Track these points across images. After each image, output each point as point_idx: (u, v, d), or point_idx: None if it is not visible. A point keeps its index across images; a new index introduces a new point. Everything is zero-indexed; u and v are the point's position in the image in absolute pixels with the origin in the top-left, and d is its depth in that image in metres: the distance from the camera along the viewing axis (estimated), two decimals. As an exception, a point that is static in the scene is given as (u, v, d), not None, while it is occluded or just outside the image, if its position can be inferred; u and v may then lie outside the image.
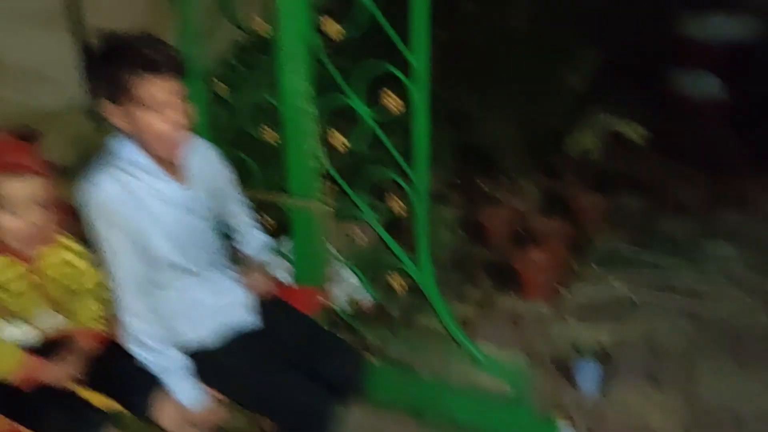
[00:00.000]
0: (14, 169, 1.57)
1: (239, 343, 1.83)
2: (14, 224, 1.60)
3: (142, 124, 1.61)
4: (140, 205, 1.65)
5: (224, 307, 1.87)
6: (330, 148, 2.25)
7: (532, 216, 3.52)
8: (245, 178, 2.43)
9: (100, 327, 1.81)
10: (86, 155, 2.79)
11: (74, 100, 3.13)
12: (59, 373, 1.68)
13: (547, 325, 2.88)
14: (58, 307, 1.76)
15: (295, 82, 2.16)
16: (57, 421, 1.58)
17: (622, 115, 3.92)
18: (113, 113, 1.63)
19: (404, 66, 2.04)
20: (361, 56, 2.08)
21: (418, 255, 2.28)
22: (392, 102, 2.08)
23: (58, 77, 3.06)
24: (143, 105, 1.59)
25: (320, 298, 2.32)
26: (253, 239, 2.12)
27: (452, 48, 3.70)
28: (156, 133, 1.62)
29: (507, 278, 3.12)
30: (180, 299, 1.79)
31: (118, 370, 1.71)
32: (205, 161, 1.87)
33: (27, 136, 1.66)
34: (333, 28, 2.07)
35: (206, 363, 1.77)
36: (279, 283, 2.20)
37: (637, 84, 5.22)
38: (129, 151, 1.67)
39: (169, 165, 1.73)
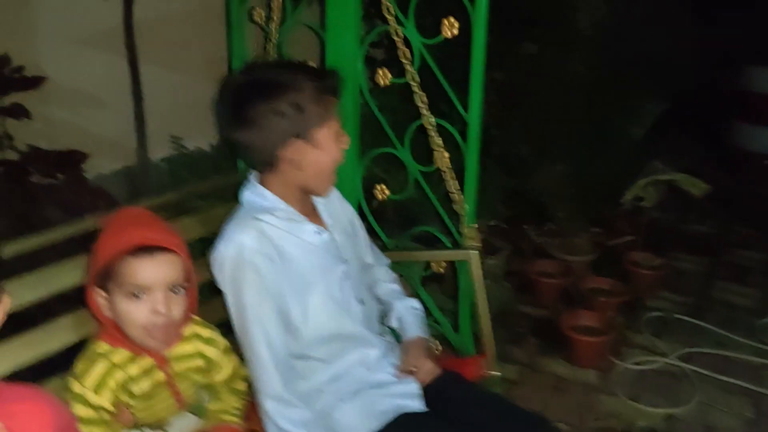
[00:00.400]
0: (153, 244, 1.28)
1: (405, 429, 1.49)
2: (145, 315, 1.29)
3: (325, 153, 1.48)
4: (281, 254, 1.45)
5: (383, 385, 1.56)
6: (370, 197, 2.15)
7: (584, 273, 3.36)
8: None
9: (236, 423, 1.51)
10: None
11: (127, 125, 3.15)
12: None
13: (593, 396, 2.70)
14: (188, 406, 1.47)
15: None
16: None
17: (683, 168, 3.74)
18: (298, 149, 1.44)
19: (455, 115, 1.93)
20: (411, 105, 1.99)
21: (460, 318, 2.14)
22: (440, 156, 1.97)
23: (111, 101, 3.07)
24: (336, 128, 1.49)
25: (482, 367, 1.95)
26: (401, 305, 1.74)
27: (509, 89, 3.60)
28: (334, 161, 1.50)
29: (554, 340, 2.94)
30: (328, 372, 1.52)
31: None
32: (336, 201, 1.69)
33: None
34: (384, 77, 1.98)
35: None
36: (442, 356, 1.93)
37: (699, 137, 5.02)
38: (266, 199, 1.50)
39: (307, 212, 1.57)
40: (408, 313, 1.72)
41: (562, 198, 3.54)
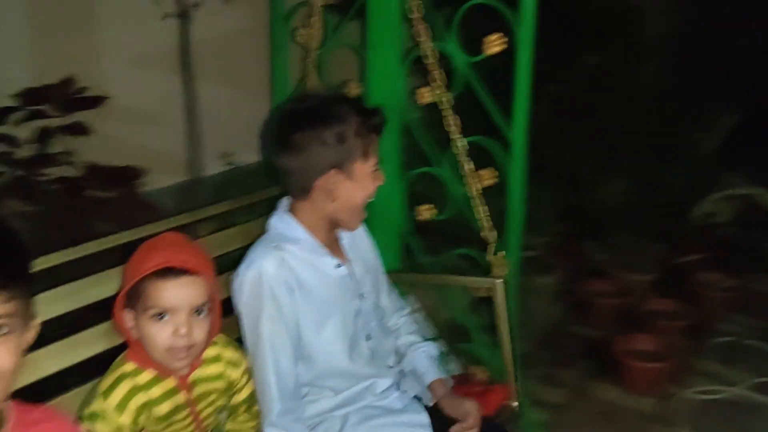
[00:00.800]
0: (178, 267, 1.28)
1: None
2: (167, 337, 1.28)
3: (360, 187, 1.50)
4: (299, 283, 1.47)
5: (392, 412, 1.56)
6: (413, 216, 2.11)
7: (644, 293, 3.21)
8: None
9: None
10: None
11: (182, 141, 3.23)
12: None
13: (648, 426, 2.56)
14: (207, 428, 1.46)
15: (382, 145, 2.03)
16: None
17: (758, 182, 3.53)
18: (334, 181, 1.47)
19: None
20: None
21: (500, 343, 2.07)
22: (485, 174, 1.91)
23: (167, 119, 3.16)
24: (374, 164, 1.52)
25: (503, 397, 1.91)
26: (418, 349, 1.72)
27: (569, 102, 3.49)
28: (367, 196, 1.53)
29: (607, 364, 2.82)
30: (338, 399, 1.53)
31: None
32: (361, 236, 1.70)
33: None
34: (426, 96, 1.95)
35: None
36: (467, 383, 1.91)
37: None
38: (291, 228, 1.52)
39: (330, 244, 1.58)
40: (420, 358, 1.71)
41: (623, 214, 3.40)
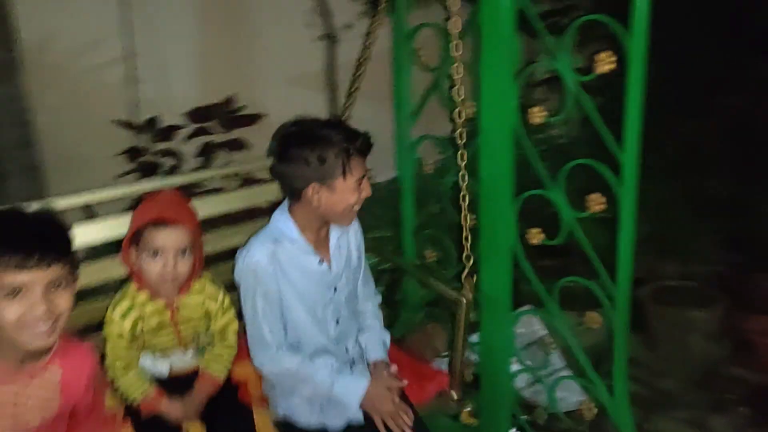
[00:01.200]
0: (166, 220, 1.72)
1: None
2: (158, 270, 1.73)
3: (341, 198, 1.75)
4: (284, 274, 1.79)
5: (339, 395, 1.81)
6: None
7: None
8: (443, 259, 2.36)
9: (218, 373, 1.89)
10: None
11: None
12: (175, 411, 1.80)
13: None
14: (187, 346, 1.90)
15: (494, 168, 2.00)
16: None
17: None
18: (316, 192, 1.75)
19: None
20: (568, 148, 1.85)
21: (614, 380, 1.93)
22: (595, 201, 1.80)
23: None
24: (355, 181, 1.75)
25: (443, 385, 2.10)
26: (374, 335, 2.00)
27: (735, 117, 3.15)
28: (350, 204, 1.77)
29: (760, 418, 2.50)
30: (303, 367, 1.82)
31: (231, 420, 1.86)
32: (351, 238, 1.95)
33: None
34: (537, 117, 1.88)
35: None
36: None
37: None
38: (286, 225, 1.82)
39: (318, 242, 1.85)
40: (371, 339, 1.99)
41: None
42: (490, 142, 1.99)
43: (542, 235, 1.99)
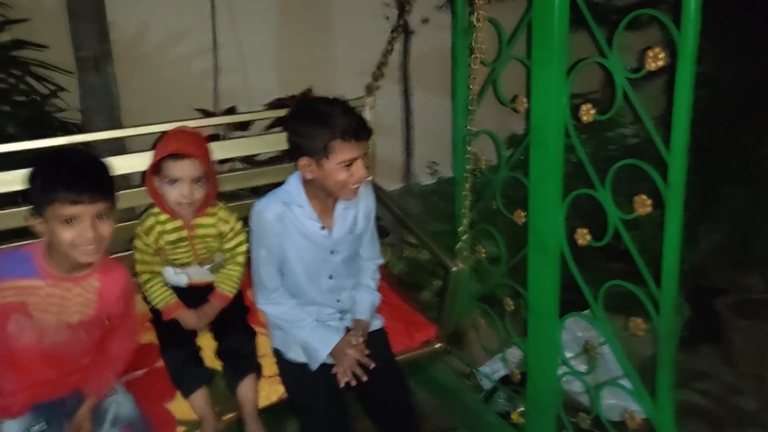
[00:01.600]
0: (182, 153, 1.98)
1: (319, 373, 2.01)
2: (175, 195, 2.01)
3: (329, 175, 1.89)
4: (288, 234, 1.99)
5: (312, 344, 2.02)
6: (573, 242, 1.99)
7: None
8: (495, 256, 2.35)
9: (228, 291, 2.18)
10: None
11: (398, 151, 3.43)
12: (190, 319, 2.10)
13: None
14: (203, 262, 2.19)
15: (544, 163, 1.97)
16: (173, 359, 2.03)
17: None
18: (308, 165, 1.90)
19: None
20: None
21: (658, 390, 1.85)
22: (641, 203, 1.74)
23: (388, 128, 3.39)
24: (337, 163, 1.86)
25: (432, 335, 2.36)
26: (366, 295, 2.17)
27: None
28: (340, 183, 1.90)
29: None
30: (291, 313, 2.06)
31: (238, 337, 2.12)
32: (360, 207, 2.09)
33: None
34: (587, 113, 1.83)
35: (287, 370, 2.09)
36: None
37: None
38: (297, 190, 1.99)
39: (326, 209, 2.01)
40: (361, 298, 2.16)
41: None
42: (540, 139, 1.96)
43: (589, 236, 1.95)
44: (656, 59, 1.63)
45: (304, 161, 1.89)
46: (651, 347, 2.02)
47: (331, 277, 2.09)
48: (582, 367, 2.16)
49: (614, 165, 1.80)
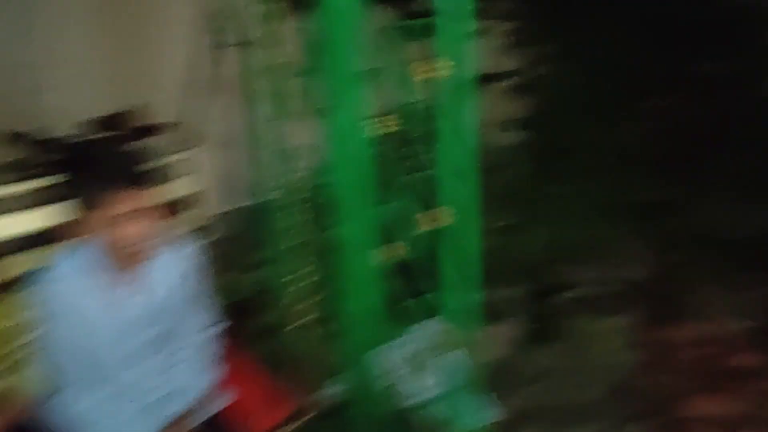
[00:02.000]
0: None
1: None
2: None
3: (103, 233, 1.56)
4: (81, 302, 1.64)
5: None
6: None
7: (737, 344, 2.67)
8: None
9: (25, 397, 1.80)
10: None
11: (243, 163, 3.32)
12: None
13: None
14: None
15: (347, 177, 1.91)
16: None
17: None
18: (85, 218, 1.58)
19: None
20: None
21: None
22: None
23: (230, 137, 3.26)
24: (107, 217, 1.54)
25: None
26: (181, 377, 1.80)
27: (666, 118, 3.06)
28: (112, 244, 1.57)
29: (673, 425, 2.38)
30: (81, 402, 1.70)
31: None
32: (173, 272, 1.74)
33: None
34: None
35: None
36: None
37: None
38: (93, 251, 1.62)
39: (128, 272, 1.66)
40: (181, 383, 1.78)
41: (724, 246, 2.88)
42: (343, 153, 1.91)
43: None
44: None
45: (81, 213, 1.57)
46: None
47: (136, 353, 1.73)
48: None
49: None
